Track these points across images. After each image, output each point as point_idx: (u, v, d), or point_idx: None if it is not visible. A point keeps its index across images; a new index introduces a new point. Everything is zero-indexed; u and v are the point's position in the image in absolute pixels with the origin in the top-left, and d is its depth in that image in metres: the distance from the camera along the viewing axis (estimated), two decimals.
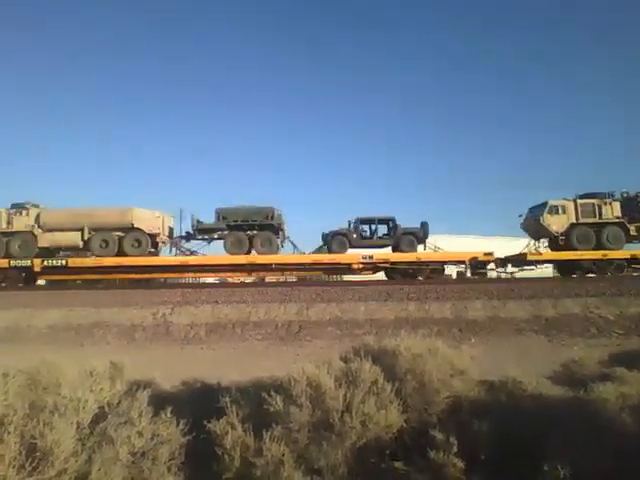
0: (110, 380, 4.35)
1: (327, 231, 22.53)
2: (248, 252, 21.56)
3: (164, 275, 23.15)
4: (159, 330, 14.06)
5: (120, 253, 21.21)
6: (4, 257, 20.91)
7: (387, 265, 21.55)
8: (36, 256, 21.00)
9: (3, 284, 20.95)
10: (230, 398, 4.24)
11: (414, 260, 21.32)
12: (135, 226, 21.28)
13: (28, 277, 21.44)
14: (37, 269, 20.67)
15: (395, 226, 22.29)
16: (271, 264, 21.58)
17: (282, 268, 22.43)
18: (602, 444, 3.49)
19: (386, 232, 22.66)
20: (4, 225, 21.39)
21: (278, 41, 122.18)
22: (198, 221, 22.10)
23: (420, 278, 20.95)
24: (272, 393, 4.17)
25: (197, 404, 4.71)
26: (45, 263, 20.65)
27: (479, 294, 15.92)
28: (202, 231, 22.35)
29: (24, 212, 21.48)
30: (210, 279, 26.20)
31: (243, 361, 10.27)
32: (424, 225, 22.46)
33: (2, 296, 17.20)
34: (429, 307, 14.86)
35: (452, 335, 12.70)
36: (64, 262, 20.80)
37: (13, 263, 20.67)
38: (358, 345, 5.52)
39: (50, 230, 21.38)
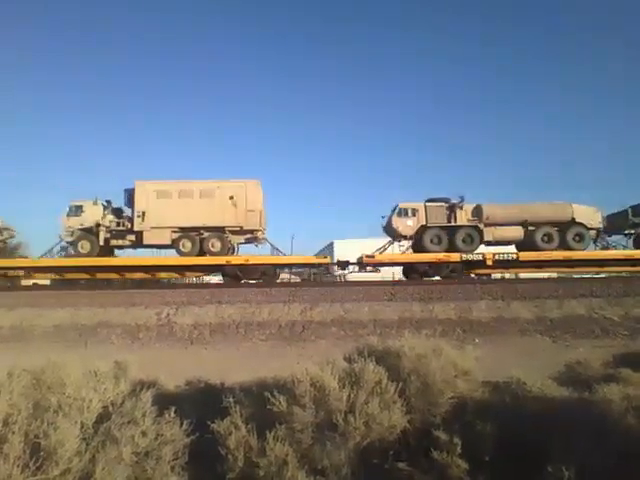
0: (114, 380, 4.36)
1: None
2: None
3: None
4: (163, 330, 14.08)
5: (562, 247, 21.69)
6: (450, 250, 21.30)
7: None
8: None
9: (454, 274, 21.02)
10: (234, 398, 4.25)
11: None
12: (577, 220, 21.84)
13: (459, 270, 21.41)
14: (489, 262, 20.94)
15: None
16: None
17: None
18: (607, 445, 3.47)
19: None
20: (446, 220, 21.96)
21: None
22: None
23: None
24: (276, 393, 4.17)
25: (201, 404, 4.72)
26: (497, 257, 21.03)
27: (483, 294, 15.86)
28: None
29: (463, 207, 22.09)
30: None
31: (247, 361, 10.27)
32: None
33: (8, 296, 17.27)
34: (433, 307, 14.81)
35: (456, 336, 12.67)
36: (514, 256, 21.17)
37: (464, 257, 21.03)
38: (362, 345, 5.51)
39: (494, 224, 21.93)
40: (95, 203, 22.08)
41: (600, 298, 15.08)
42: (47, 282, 23.38)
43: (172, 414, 3.94)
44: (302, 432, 3.98)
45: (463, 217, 22.01)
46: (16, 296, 17.45)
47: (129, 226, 21.79)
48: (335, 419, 4.05)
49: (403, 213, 22.10)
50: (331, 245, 41.88)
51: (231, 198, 21.62)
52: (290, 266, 23.57)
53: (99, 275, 21.82)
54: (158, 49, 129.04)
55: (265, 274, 21.06)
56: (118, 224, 21.93)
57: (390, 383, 4.38)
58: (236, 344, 12.85)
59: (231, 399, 4.22)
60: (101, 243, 21.50)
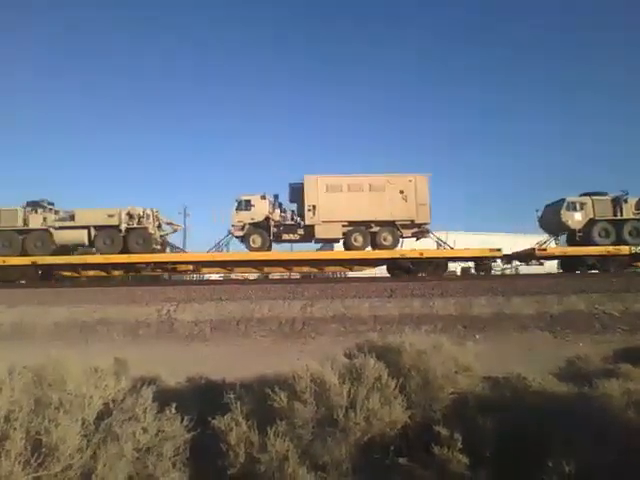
0: (115, 377, 4.36)
1: None
2: None
3: None
4: (163, 327, 14.09)
5: None
6: (617, 244, 21.47)
7: None
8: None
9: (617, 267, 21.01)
10: (234, 394, 4.25)
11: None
12: None
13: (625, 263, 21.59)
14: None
15: None
16: None
17: None
18: (607, 440, 3.47)
19: None
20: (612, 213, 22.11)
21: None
22: None
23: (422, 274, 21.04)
24: (276, 389, 4.18)
25: (201, 400, 4.73)
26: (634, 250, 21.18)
27: (483, 290, 15.87)
28: None
29: (627, 201, 22.12)
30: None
31: (247, 358, 10.28)
32: None
33: (8, 293, 17.29)
34: (433, 303, 14.81)
35: (456, 332, 12.67)
36: None
37: (633, 250, 21.21)
38: (362, 341, 5.52)
39: None
40: (263, 197, 22.34)
41: (600, 293, 15.08)
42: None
43: (173, 410, 3.94)
44: (303, 428, 3.99)
45: (629, 210, 22.19)
46: (16, 293, 17.47)
47: (298, 220, 22.10)
48: (336, 415, 4.06)
49: (572, 207, 22.32)
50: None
51: (401, 192, 21.78)
52: (461, 259, 23.55)
53: (267, 269, 22.41)
54: None
55: (437, 267, 21.22)
56: (288, 218, 22.30)
57: (391, 379, 4.38)
58: (236, 340, 12.86)
59: (232, 395, 4.23)
60: (271, 237, 21.88)
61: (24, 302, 15.93)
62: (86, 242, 21.79)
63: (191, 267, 22.07)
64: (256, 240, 21.68)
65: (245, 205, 21.97)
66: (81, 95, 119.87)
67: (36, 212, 22.07)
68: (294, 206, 22.95)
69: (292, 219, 22.28)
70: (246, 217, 21.86)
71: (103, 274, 21.81)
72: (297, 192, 22.51)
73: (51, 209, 22.41)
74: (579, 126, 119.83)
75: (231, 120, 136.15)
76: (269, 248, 22.03)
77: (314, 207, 21.59)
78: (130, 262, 21.24)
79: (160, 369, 5.70)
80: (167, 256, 22.38)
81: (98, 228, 21.72)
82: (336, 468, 3.86)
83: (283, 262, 22.04)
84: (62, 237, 21.74)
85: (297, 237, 22.28)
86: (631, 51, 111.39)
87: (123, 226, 21.53)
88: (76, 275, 21.81)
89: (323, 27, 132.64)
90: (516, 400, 4.51)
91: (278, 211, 22.33)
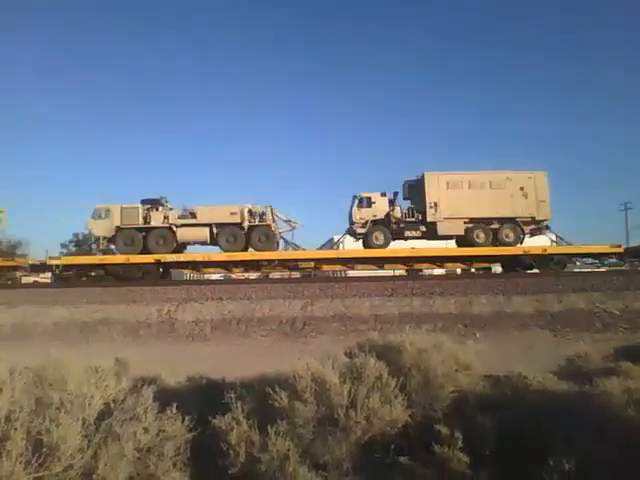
0: (115, 377, 4.36)
1: None
2: None
3: None
4: (164, 327, 14.12)
5: None
6: None
7: None
8: None
9: None
10: (235, 394, 4.25)
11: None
12: None
13: None
14: None
15: None
16: None
17: None
18: (607, 438, 3.48)
19: None
20: None
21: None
22: None
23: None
24: (277, 389, 4.17)
25: (202, 400, 4.73)
26: None
27: (484, 289, 15.88)
28: None
29: None
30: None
31: (248, 357, 10.29)
32: None
33: (9, 294, 17.30)
34: (434, 302, 14.84)
35: (457, 330, 12.70)
36: None
37: None
38: (362, 341, 5.51)
39: None
40: (383, 195, 22.66)
41: (600, 292, 15.09)
42: (48, 280, 23.39)
43: (174, 410, 3.94)
44: (303, 427, 3.99)
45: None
46: (17, 294, 17.49)
47: (419, 217, 22.28)
48: (336, 414, 4.06)
49: None
50: None
51: (521, 189, 21.97)
52: (581, 256, 23.49)
53: (387, 266, 22.42)
54: None
55: (558, 263, 21.44)
56: (408, 215, 22.45)
57: (391, 378, 4.38)
58: (237, 340, 12.89)
59: (232, 395, 4.23)
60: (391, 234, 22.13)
61: (25, 302, 15.95)
62: (208, 240, 21.99)
63: (312, 264, 22.22)
64: (379, 237, 22.03)
65: (366, 202, 22.28)
66: (81, 95, 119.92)
67: (157, 210, 22.20)
68: (408, 203, 23.18)
69: (412, 216, 22.45)
70: (368, 214, 22.19)
71: (224, 271, 22.18)
72: (414, 189, 22.80)
73: (170, 207, 22.63)
74: (579, 126, 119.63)
75: (231, 120, 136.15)
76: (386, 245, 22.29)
77: (436, 204, 21.84)
78: (254, 259, 21.50)
79: (161, 369, 5.70)
80: (290, 253, 22.42)
81: (220, 226, 21.86)
82: (337, 467, 3.86)
83: (404, 259, 22.16)
84: (184, 235, 21.99)
85: (419, 234, 22.51)
86: (631, 51, 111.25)
87: (246, 224, 21.68)
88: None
89: (323, 27, 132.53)
90: (516, 399, 4.51)
91: (398, 208, 22.60)
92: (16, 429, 3.26)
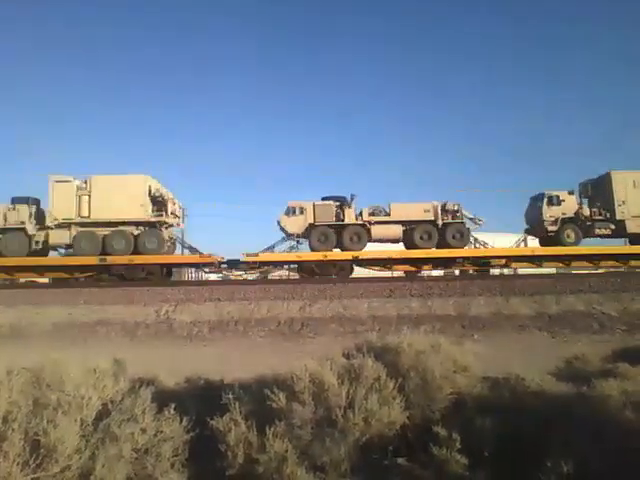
0: (113, 377, 4.36)
1: None
2: None
3: None
4: (162, 327, 14.09)
5: None
6: None
7: None
8: None
9: None
10: (233, 395, 4.25)
11: None
12: None
13: None
14: None
15: None
16: None
17: None
18: (605, 440, 3.48)
19: None
20: None
21: None
22: None
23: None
24: (275, 390, 4.18)
25: (200, 401, 4.72)
26: None
27: (482, 290, 15.89)
28: None
29: None
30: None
31: (246, 358, 10.27)
32: None
33: (6, 294, 17.26)
34: (432, 304, 14.84)
35: (455, 332, 12.68)
36: None
37: None
38: (361, 342, 5.51)
39: None
40: (571, 193, 23.05)
41: (598, 294, 15.12)
42: (46, 280, 23.31)
43: (172, 411, 3.94)
44: (301, 428, 3.99)
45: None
46: (15, 294, 17.44)
47: (608, 215, 22.53)
48: (334, 415, 4.06)
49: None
50: None
51: None
52: None
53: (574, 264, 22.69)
54: None
55: None
56: (597, 213, 22.66)
57: (389, 379, 4.38)
58: (235, 341, 12.86)
59: (230, 396, 4.23)
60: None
61: (23, 302, 15.91)
62: (401, 237, 22.21)
63: (504, 261, 22.37)
64: (570, 235, 22.51)
65: (556, 201, 22.71)
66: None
67: (349, 207, 22.23)
68: (586, 201, 23.45)
69: (600, 214, 22.69)
70: (557, 212, 22.64)
71: (411, 269, 22.17)
72: (597, 188, 23.20)
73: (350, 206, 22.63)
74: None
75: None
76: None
77: (624, 202, 22.31)
78: (450, 257, 21.67)
79: (159, 370, 5.70)
80: (484, 251, 22.48)
81: (413, 223, 21.99)
82: (335, 468, 3.86)
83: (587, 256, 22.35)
84: (377, 232, 22.14)
85: (608, 232, 22.75)
86: None
87: (439, 221, 21.80)
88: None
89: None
90: (515, 400, 4.52)
91: (586, 206, 22.95)
92: (14, 430, 3.26)
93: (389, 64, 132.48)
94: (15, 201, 21.65)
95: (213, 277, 26.10)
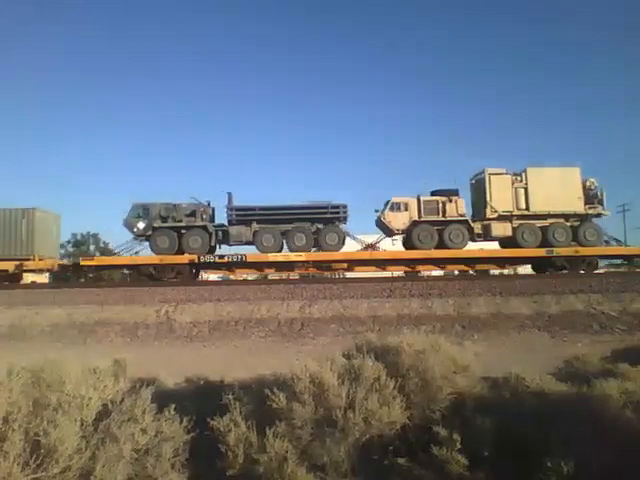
0: (113, 378, 4.35)
1: None
2: None
3: None
4: (162, 328, 14.08)
5: None
6: None
7: None
8: None
9: None
10: (233, 395, 4.25)
11: None
12: None
13: None
14: None
15: None
16: None
17: None
18: (605, 440, 3.48)
19: None
20: None
21: None
22: None
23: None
24: (275, 390, 4.17)
25: (200, 401, 4.72)
26: None
27: (482, 290, 15.89)
28: None
29: None
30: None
31: (246, 358, 10.28)
32: None
33: (6, 294, 17.25)
34: (432, 304, 14.83)
35: (455, 332, 12.69)
36: None
37: None
38: (361, 342, 5.51)
39: None
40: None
41: (598, 294, 15.11)
42: (45, 280, 23.33)
43: (172, 411, 3.94)
44: (302, 428, 3.99)
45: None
46: (15, 294, 17.43)
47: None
48: (334, 415, 4.06)
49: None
50: None
51: None
52: None
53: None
54: None
55: None
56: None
57: (389, 379, 4.38)
58: (235, 341, 12.86)
59: (230, 396, 4.23)
60: None
61: (22, 303, 15.91)
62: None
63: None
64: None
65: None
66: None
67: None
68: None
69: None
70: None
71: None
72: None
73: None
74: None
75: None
76: None
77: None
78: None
79: (159, 370, 5.70)
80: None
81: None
82: (335, 469, 3.86)
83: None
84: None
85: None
86: None
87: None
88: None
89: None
90: (515, 400, 4.52)
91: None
92: (14, 430, 3.26)
93: None
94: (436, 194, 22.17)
95: (212, 277, 26.15)
